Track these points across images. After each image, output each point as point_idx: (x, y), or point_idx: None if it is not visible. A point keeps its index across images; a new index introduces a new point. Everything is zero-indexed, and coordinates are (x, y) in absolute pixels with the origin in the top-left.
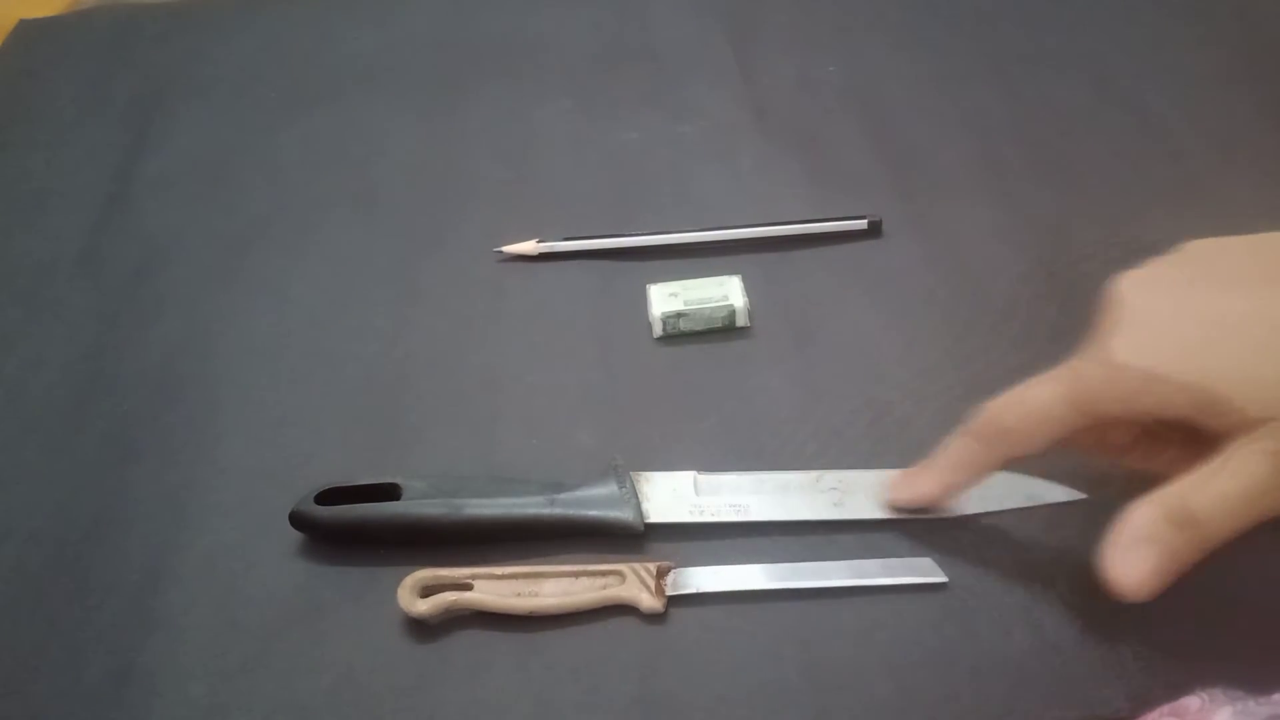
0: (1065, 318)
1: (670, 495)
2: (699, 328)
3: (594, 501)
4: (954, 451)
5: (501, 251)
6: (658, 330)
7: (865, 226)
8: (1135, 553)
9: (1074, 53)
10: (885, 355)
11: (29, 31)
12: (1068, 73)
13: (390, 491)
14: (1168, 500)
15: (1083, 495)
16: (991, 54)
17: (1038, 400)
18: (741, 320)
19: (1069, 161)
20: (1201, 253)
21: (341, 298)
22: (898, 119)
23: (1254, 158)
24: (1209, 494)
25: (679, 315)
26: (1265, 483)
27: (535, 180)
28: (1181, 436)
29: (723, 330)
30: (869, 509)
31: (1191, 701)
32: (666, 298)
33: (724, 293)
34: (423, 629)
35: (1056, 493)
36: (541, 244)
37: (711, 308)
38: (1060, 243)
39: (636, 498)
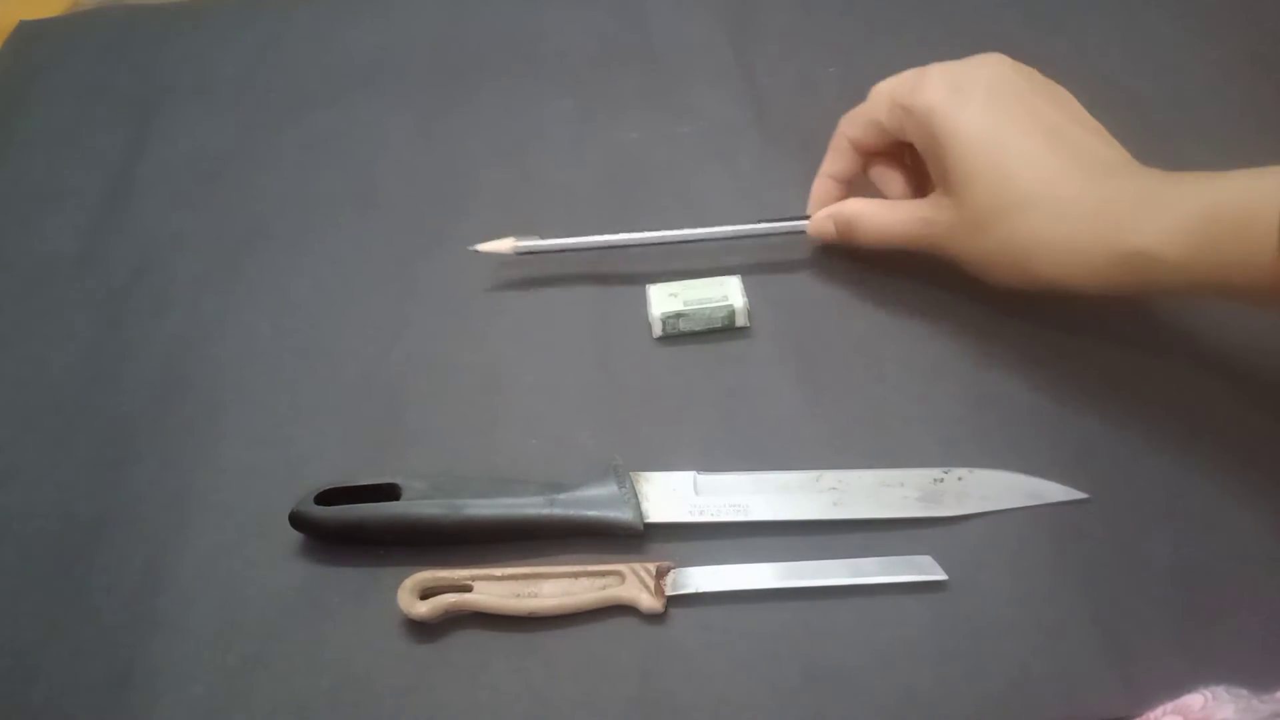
0: (1064, 316)
1: (670, 495)
2: (699, 328)
3: (594, 501)
4: (828, 152)
5: (476, 250)
6: (657, 330)
7: None
8: (823, 221)
9: (1074, 53)
10: (885, 355)
11: (30, 32)
12: (1068, 73)
13: (390, 492)
14: (852, 209)
15: (1083, 495)
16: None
17: (869, 98)
18: (741, 320)
19: None
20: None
21: (341, 298)
22: None
23: (1254, 158)
24: (867, 226)
25: (679, 315)
26: (903, 235)
27: (535, 180)
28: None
29: (723, 330)
30: (869, 509)
31: (1194, 699)
32: (666, 298)
33: (724, 293)
34: (423, 629)
35: (1056, 493)
36: (520, 242)
37: (711, 308)
38: None
39: (636, 498)
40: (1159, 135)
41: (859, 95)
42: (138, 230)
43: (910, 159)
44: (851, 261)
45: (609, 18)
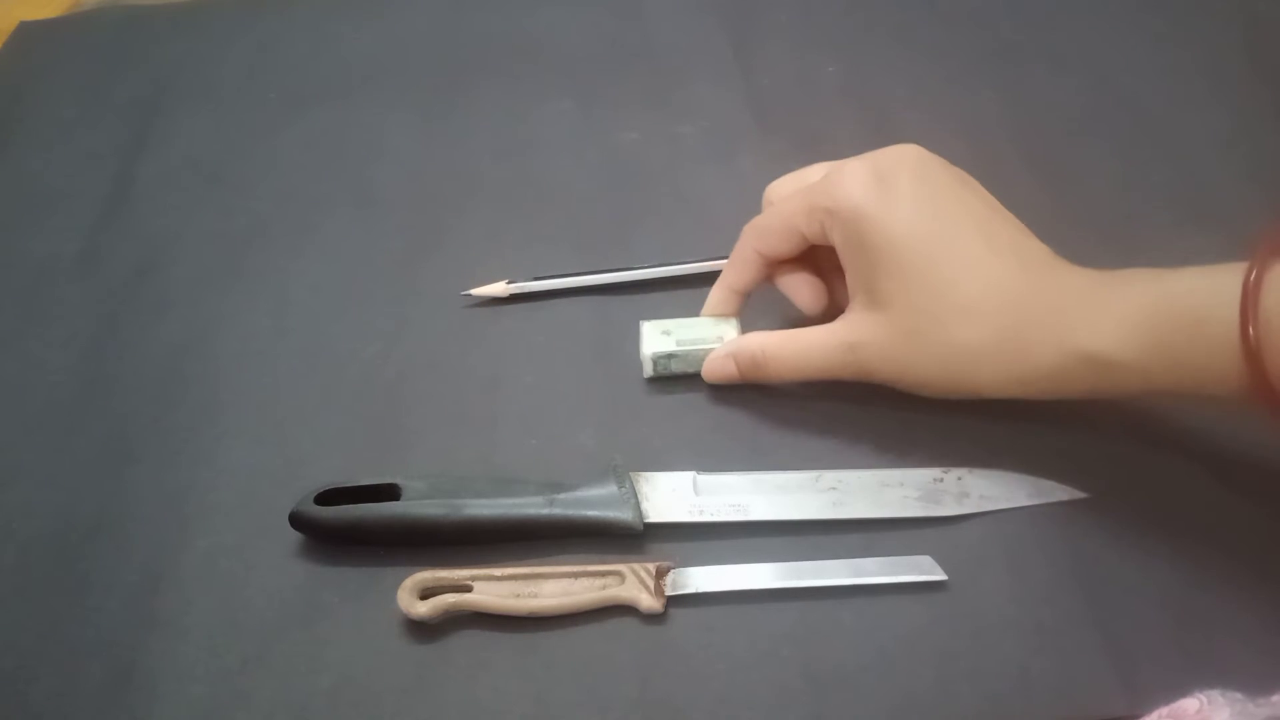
0: None
1: (670, 495)
2: (691, 370)
3: (593, 502)
4: (731, 263)
5: (470, 295)
6: (648, 370)
7: None
8: (722, 362)
9: (1074, 53)
10: None
11: (30, 33)
12: (1068, 73)
13: (390, 492)
14: (756, 345)
15: (1083, 494)
16: (991, 54)
17: (782, 207)
18: None
19: (1069, 161)
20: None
21: (341, 298)
22: (897, 119)
23: (1254, 158)
24: (784, 355)
25: (670, 356)
26: (830, 365)
27: (535, 180)
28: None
29: None
30: (869, 509)
31: (1190, 703)
32: (659, 336)
33: (719, 333)
34: (422, 629)
35: (1057, 492)
36: (511, 285)
37: (705, 349)
38: (1059, 243)
39: (636, 498)
40: (1159, 135)
41: (859, 95)
42: (138, 230)
43: (821, 263)
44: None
45: (609, 18)
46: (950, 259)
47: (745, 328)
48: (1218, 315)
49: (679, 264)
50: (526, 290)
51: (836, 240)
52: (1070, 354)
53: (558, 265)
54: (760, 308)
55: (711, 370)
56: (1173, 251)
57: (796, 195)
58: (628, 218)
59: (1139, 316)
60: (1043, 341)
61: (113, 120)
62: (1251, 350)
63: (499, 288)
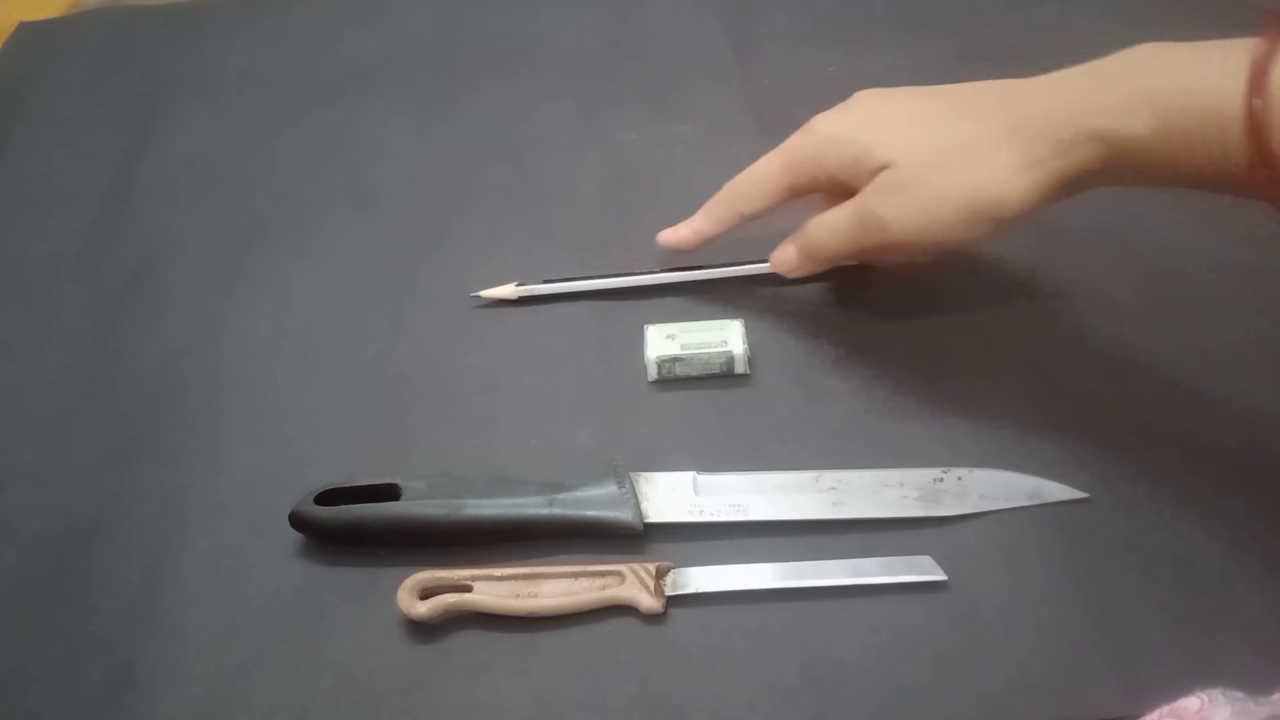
0: (1065, 315)
1: (670, 495)
2: (695, 373)
3: (593, 502)
4: (705, 210)
5: (479, 296)
6: (652, 374)
7: None
8: (784, 253)
9: (1074, 52)
10: (885, 356)
11: (30, 33)
12: None
13: (390, 492)
14: (800, 238)
15: (1083, 495)
16: (991, 54)
17: (762, 167)
18: (740, 368)
19: None
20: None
21: (341, 298)
22: None
23: None
24: (817, 234)
25: (675, 360)
26: (848, 229)
27: (535, 180)
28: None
29: (720, 376)
30: (868, 509)
31: (1191, 702)
32: (663, 340)
33: (723, 337)
34: (422, 629)
35: (1056, 492)
36: (520, 287)
37: (709, 353)
38: (1059, 243)
39: (636, 498)
40: None
41: None
42: (138, 230)
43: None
44: (850, 274)
45: (609, 18)
46: (939, 108)
47: (749, 330)
48: (1226, 87)
49: (685, 269)
50: (536, 293)
51: (835, 164)
52: (1080, 132)
53: (557, 265)
54: (764, 305)
55: (777, 258)
56: (1175, 250)
57: (775, 157)
58: (627, 218)
59: (1146, 90)
60: (1050, 125)
61: (113, 120)
62: (1256, 121)
63: (508, 290)
